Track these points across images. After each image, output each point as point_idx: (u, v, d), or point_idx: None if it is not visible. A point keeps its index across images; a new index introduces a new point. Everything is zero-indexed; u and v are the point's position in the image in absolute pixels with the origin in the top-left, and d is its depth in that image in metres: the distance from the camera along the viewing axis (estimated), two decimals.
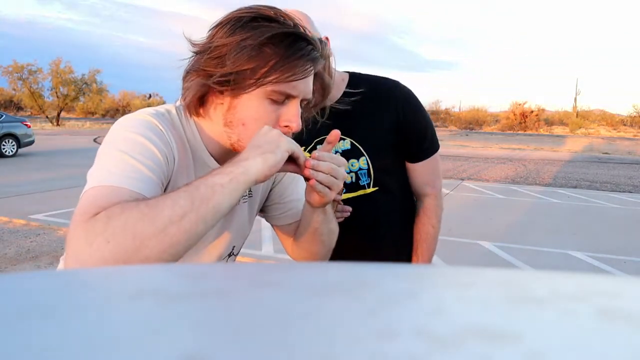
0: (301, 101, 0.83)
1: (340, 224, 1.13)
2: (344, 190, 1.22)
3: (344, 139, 1.25)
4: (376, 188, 1.28)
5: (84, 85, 34.13)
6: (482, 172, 11.77)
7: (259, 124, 0.78)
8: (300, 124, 0.82)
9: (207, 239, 0.93)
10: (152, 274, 0.38)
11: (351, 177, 1.27)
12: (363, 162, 1.26)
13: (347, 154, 1.25)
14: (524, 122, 45.40)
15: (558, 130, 45.95)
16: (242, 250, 1.08)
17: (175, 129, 0.84)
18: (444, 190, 8.52)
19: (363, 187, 1.27)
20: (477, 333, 0.23)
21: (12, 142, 12.00)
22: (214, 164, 0.87)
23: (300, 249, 1.01)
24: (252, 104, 0.79)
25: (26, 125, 12.60)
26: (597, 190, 9.45)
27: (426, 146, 1.31)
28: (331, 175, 0.79)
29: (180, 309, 0.27)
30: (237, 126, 0.81)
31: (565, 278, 0.35)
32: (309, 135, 1.20)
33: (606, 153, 20.44)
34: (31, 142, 12.71)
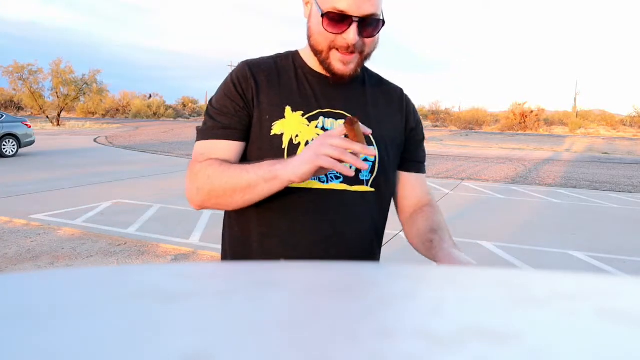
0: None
1: (318, 220, 1.00)
2: (341, 180, 1.03)
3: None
4: (373, 189, 1.07)
5: (84, 86, 34.13)
6: (482, 172, 11.77)
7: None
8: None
9: None
10: (152, 274, 0.38)
11: (350, 167, 0.98)
12: None
13: None
14: (524, 122, 45.41)
15: (558, 130, 45.95)
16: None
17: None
18: (444, 190, 8.52)
19: (362, 183, 1.05)
20: (477, 333, 0.23)
21: (12, 142, 12.00)
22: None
23: None
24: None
25: (26, 125, 12.60)
26: (597, 190, 9.45)
27: (425, 158, 1.22)
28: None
29: (180, 309, 0.27)
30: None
31: (565, 278, 0.35)
32: (315, 102, 1.05)
33: (606, 153, 20.44)
34: (31, 142, 12.72)
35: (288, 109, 1.02)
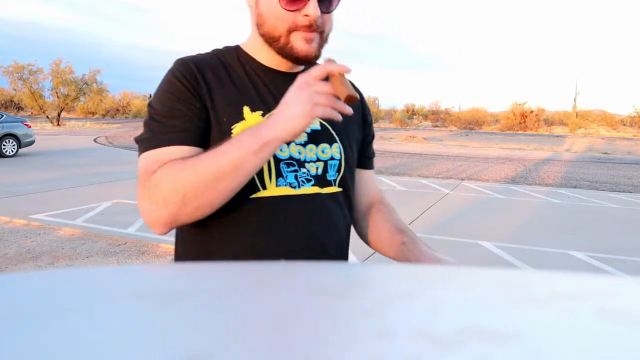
0: None
1: (297, 228, 0.92)
2: (312, 182, 0.94)
3: None
4: (341, 189, 1.00)
5: (84, 86, 34.16)
6: (482, 172, 11.77)
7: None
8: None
9: None
10: (152, 274, 0.38)
11: (317, 168, 0.95)
12: (336, 151, 0.98)
13: (318, 136, 0.96)
14: (523, 122, 45.46)
15: (558, 130, 46.01)
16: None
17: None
18: (444, 190, 8.52)
19: (330, 184, 0.98)
20: (477, 333, 0.23)
21: (12, 142, 12.02)
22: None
23: None
24: None
25: (26, 125, 12.62)
26: (597, 190, 9.45)
27: (374, 154, 1.17)
28: None
29: (180, 309, 0.27)
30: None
31: (565, 278, 0.35)
32: (272, 100, 0.93)
33: (606, 153, 20.46)
34: (31, 142, 12.73)
35: (246, 109, 0.91)
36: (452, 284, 0.34)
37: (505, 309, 0.28)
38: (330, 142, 0.98)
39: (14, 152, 12.08)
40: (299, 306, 0.28)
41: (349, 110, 0.80)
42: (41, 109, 33.72)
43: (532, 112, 46.53)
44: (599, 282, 0.34)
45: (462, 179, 10.33)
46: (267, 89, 0.95)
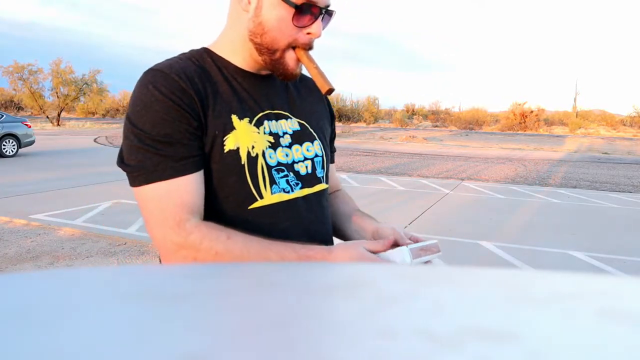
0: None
1: (296, 234, 0.94)
2: (300, 185, 0.97)
3: (289, 118, 0.98)
4: (327, 185, 1.05)
5: (84, 86, 34.12)
6: (482, 172, 11.77)
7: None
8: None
9: None
10: (152, 274, 0.38)
11: (306, 166, 0.98)
12: (318, 148, 1.02)
13: (300, 136, 0.99)
14: (523, 122, 45.40)
15: (558, 130, 45.97)
16: None
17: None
18: (444, 190, 8.52)
19: (320, 181, 1.01)
20: (477, 333, 0.23)
21: (12, 142, 12.02)
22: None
23: None
24: None
25: (27, 125, 12.62)
26: (596, 190, 9.45)
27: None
28: None
29: (180, 309, 0.27)
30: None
31: (565, 278, 0.35)
32: (255, 105, 0.94)
33: (606, 153, 20.45)
34: (32, 142, 12.74)
35: (234, 117, 0.90)
36: (452, 283, 0.34)
37: (505, 309, 0.28)
38: (312, 140, 1.01)
39: (14, 152, 12.08)
40: (299, 306, 0.28)
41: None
42: (41, 109, 33.70)
43: (532, 112, 46.47)
44: (599, 282, 0.34)
45: (462, 179, 10.33)
46: (247, 93, 0.94)
